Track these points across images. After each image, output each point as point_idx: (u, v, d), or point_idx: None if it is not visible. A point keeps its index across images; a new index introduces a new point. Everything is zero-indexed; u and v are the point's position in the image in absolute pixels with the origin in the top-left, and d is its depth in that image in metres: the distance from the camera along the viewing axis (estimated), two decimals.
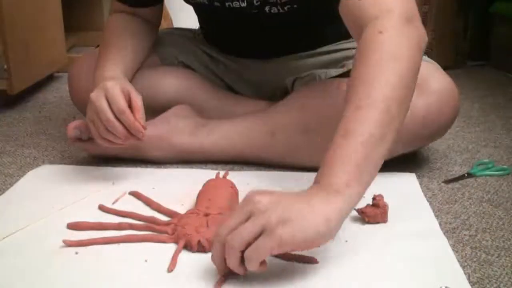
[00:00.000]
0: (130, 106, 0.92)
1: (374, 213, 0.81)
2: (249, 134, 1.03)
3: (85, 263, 0.72)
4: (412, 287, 0.67)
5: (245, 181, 0.94)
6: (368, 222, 0.81)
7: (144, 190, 0.92)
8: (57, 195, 0.92)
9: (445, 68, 1.02)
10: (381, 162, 0.71)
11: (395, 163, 1.02)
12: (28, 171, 1.03)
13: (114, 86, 0.91)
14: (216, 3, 1.02)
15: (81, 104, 1.15)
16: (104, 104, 0.90)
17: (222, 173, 0.96)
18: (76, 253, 0.74)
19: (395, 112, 0.71)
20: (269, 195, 0.64)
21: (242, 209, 0.64)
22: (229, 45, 1.17)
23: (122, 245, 0.76)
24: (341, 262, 0.71)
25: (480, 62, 2.05)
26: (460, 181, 1.00)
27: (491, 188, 0.98)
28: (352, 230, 0.80)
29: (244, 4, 1.00)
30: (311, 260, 0.71)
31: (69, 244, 0.75)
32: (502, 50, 1.98)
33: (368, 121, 0.69)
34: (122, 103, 0.90)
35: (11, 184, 0.98)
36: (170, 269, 0.69)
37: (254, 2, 0.99)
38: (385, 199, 0.83)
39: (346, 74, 1.03)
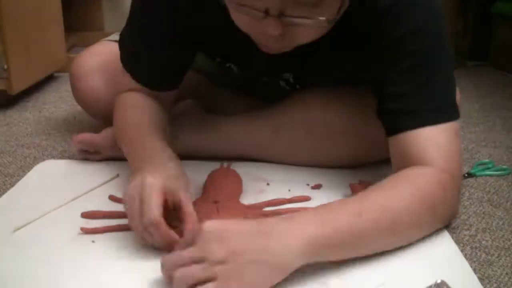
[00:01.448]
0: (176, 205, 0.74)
1: (360, 187, 0.83)
2: (253, 132, 1.03)
3: (101, 250, 0.74)
4: (416, 276, 0.67)
5: (246, 171, 0.97)
6: None
7: None
8: (65, 188, 0.94)
9: None
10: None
11: None
12: (28, 171, 1.03)
13: (151, 186, 0.72)
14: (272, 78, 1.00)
15: (84, 102, 1.16)
16: (135, 213, 0.72)
17: (225, 164, 0.99)
18: (93, 241, 0.76)
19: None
20: (222, 242, 0.61)
21: (195, 247, 0.62)
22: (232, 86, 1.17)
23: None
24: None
25: (480, 62, 2.06)
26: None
27: (491, 188, 0.98)
28: None
29: (283, 84, 1.00)
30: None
31: (86, 231, 0.78)
32: (502, 50, 1.98)
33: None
34: (152, 213, 0.70)
35: (11, 184, 0.98)
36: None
37: (290, 79, 0.99)
38: None
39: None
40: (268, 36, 0.72)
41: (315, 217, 0.67)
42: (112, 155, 1.04)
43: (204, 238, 0.62)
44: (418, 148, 0.77)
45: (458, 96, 0.97)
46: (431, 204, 0.73)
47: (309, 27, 0.72)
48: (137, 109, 0.94)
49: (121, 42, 0.99)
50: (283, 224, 0.65)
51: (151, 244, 0.73)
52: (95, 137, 1.04)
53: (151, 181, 0.72)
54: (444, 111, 0.80)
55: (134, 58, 0.96)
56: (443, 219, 0.78)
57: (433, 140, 0.77)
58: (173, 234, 0.71)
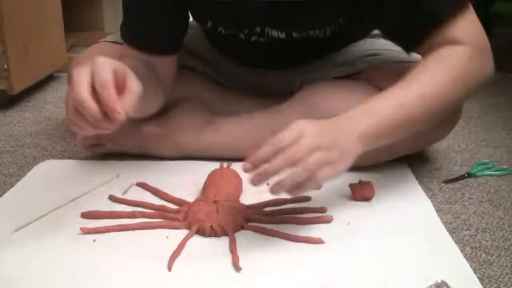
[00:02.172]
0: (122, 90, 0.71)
1: (360, 187, 0.88)
2: (255, 132, 1.03)
3: (103, 249, 0.75)
4: (415, 272, 0.67)
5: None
6: (355, 199, 0.88)
7: (149, 182, 0.94)
8: (65, 188, 0.94)
9: None
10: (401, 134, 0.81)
11: (395, 163, 1.02)
12: (28, 171, 1.03)
13: (104, 60, 0.70)
14: (254, 37, 1.01)
15: None
16: (84, 77, 0.68)
17: (225, 164, 1.00)
18: (94, 240, 0.77)
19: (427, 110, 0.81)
20: (314, 124, 0.74)
21: (290, 131, 0.72)
22: (238, 57, 1.17)
23: (136, 232, 0.79)
24: (345, 243, 0.76)
25: None
26: (460, 181, 1.00)
27: (491, 188, 0.98)
28: (354, 213, 0.84)
29: (283, 36, 0.99)
30: (317, 241, 0.77)
31: (86, 231, 0.78)
32: (502, 50, 1.97)
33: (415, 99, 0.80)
34: (107, 75, 0.68)
35: (11, 184, 0.98)
36: (177, 253, 0.73)
37: (293, 34, 0.99)
38: (379, 184, 0.91)
39: (352, 75, 1.04)
40: None
41: (364, 113, 0.78)
42: (114, 148, 1.05)
43: (294, 127, 0.72)
44: (443, 36, 0.84)
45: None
46: (464, 79, 0.83)
47: None
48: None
49: (123, 18, 1.00)
50: (344, 122, 0.77)
51: (80, 121, 0.69)
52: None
53: (104, 58, 0.70)
54: (454, 2, 0.86)
55: (132, 26, 0.99)
56: (477, 85, 0.87)
57: (453, 24, 0.85)
58: (117, 104, 0.67)
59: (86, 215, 0.83)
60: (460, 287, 0.65)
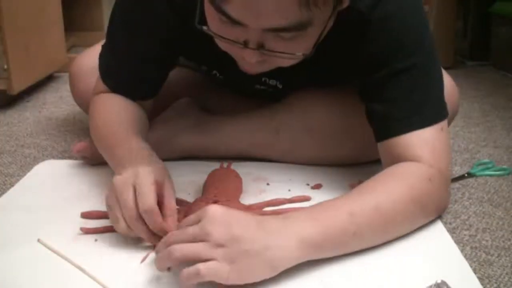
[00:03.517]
0: (160, 201, 0.74)
1: None
2: (253, 131, 1.03)
3: (103, 249, 0.75)
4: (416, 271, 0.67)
5: (246, 171, 0.97)
6: None
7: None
8: (65, 188, 0.94)
9: (445, 68, 1.02)
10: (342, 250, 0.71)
11: None
12: (28, 171, 1.03)
13: (146, 176, 0.73)
14: (251, 82, 0.99)
15: (84, 103, 1.15)
16: (130, 199, 0.71)
17: (225, 164, 0.99)
18: (96, 240, 0.77)
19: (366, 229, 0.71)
20: (224, 226, 0.63)
21: (198, 226, 0.64)
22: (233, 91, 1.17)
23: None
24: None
25: (480, 62, 2.06)
26: (460, 181, 1.00)
27: (491, 188, 0.98)
28: None
29: (279, 86, 1.00)
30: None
31: (86, 231, 0.78)
32: (502, 50, 1.98)
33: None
34: (150, 200, 0.71)
35: (11, 184, 0.98)
36: None
37: (278, 85, 1.00)
38: None
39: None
40: (247, 61, 0.73)
41: (309, 217, 0.69)
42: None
43: (208, 219, 0.64)
44: (406, 148, 0.80)
45: (455, 94, 0.98)
46: (421, 201, 0.76)
47: (287, 59, 0.73)
48: (111, 109, 0.93)
49: (101, 53, 0.97)
50: (280, 223, 0.67)
51: (134, 235, 0.73)
52: (92, 146, 1.03)
53: (144, 171, 0.74)
54: (431, 113, 0.82)
55: (110, 69, 0.95)
56: (433, 213, 0.80)
57: (420, 140, 0.80)
58: (166, 224, 0.71)
59: (86, 215, 0.83)
60: (460, 287, 0.65)
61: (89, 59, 1.15)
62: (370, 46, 0.82)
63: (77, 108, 1.27)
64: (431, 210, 0.79)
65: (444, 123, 0.82)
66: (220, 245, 0.62)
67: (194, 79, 1.16)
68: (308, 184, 0.95)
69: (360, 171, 0.98)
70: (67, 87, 1.20)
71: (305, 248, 0.66)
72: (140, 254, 0.73)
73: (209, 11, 0.72)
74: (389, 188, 0.75)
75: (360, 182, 0.89)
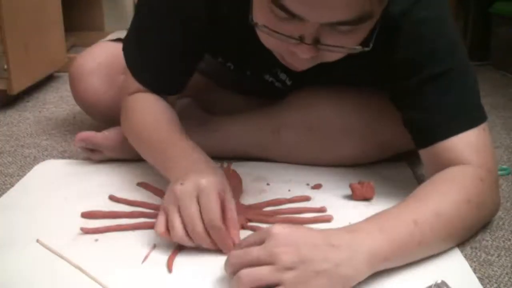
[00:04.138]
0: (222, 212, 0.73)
1: (361, 187, 0.87)
2: (254, 132, 1.03)
3: (103, 249, 0.75)
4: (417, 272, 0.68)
5: (246, 171, 0.98)
6: (355, 199, 0.88)
7: (149, 182, 0.94)
8: (65, 188, 0.94)
9: None
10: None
11: (395, 163, 1.02)
12: (28, 171, 1.03)
13: (210, 188, 0.71)
14: (248, 72, 1.00)
15: (84, 103, 1.16)
16: (195, 212, 0.70)
17: (225, 164, 1.00)
18: (96, 240, 0.77)
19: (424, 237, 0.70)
20: (292, 247, 0.61)
21: (264, 247, 0.62)
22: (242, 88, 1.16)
23: (136, 232, 0.79)
24: None
25: (480, 62, 2.06)
26: None
27: None
28: (354, 213, 0.82)
29: (288, 83, 0.99)
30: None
31: (86, 231, 0.78)
32: (502, 50, 1.97)
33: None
34: (217, 216, 0.71)
35: (11, 184, 0.98)
36: (175, 254, 0.73)
37: (287, 81, 0.99)
38: (379, 184, 0.90)
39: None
40: (297, 57, 0.72)
41: (375, 228, 0.67)
42: (112, 156, 1.04)
43: (273, 240, 0.62)
44: (451, 153, 0.79)
45: None
46: (477, 202, 0.75)
47: (343, 53, 0.72)
48: (152, 110, 0.92)
49: (127, 49, 0.96)
50: (348, 237, 0.65)
51: (189, 244, 0.72)
52: (97, 137, 1.04)
53: (208, 182, 0.72)
54: (471, 116, 0.81)
55: (142, 65, 0.94)
56: (488, 212, 0.80)
57: (464, 142, 0.79)
58: (229, 242, 0.71)
59: (86, 215, 0.83)
60: (460, 287, 0.65)
61: (89, 59, 1.15)
62: (401, 53, 0.81)
63: (77, 108, 1.27)
64: (485, 212, 0.79)
65: (485, 125, 0.81)
66: (288, 268, 0.60)
67: (195, 80, 1.16)
68: (308, 184, 0.95)
69: (360, 171, 0.98)
70: (67, 87, 1.20)
71: (375, 262, 0.65)
72: (141, 254, 0.73)
73: (261, 6, 0.70)
74: (445, 192, 0.74)
75: (360, 182, 0.89)
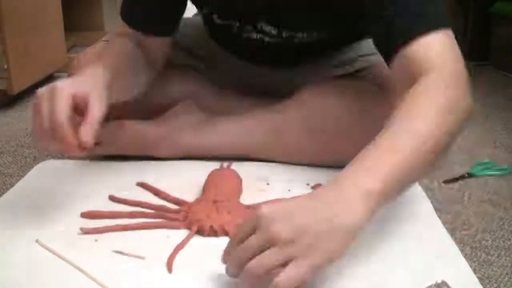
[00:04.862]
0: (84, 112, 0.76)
1: None
2: (255, 132, 1.03)
3: (103, 249, 0.74)
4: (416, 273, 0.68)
5: (246, 171, 0.97)
6: None
7: (149, 182, 0.94)
8: (65, 188, 0.94)
9: None
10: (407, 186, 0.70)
11: None
12: (28, 171, 1.03)
13: (63, 88, 0.74)
14: (246, 31, 1.01)
15: None
16: (43, 110, 0.73)
17: (225, 164, 1.00)
18: (96, 240, 0.77)
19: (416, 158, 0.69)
20: (285, 221, 0.60)
21: (260, 233, 0.61)
22: (232, 50, 1.17)
23: (136, 232, 0.79)
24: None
25: (480, 62, 2.06)
26: (460, 181, 1.00)
27: (491, 188, 0.98)
28: None
29: (274, 32, 1.00)
30: None
31: (86, 231, 0.78)
32: (502, 50, 1.98)
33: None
34: (60, 115, 0.72)
35: (11, 184, 0.98)
36: (174, 254, 0.73)
37: (283, 34, 1.00)
38: None
39: (352, 74, 1.04)
40: None
41: (361, 169, 0.66)
42: (112, 148, 1.04)
43: (265, 222, 0.61)
44: (415, 60, 0.78)
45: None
46: (449, 110, 0.75)
47: None
48: (118, 46, 0.99)
49: (123, 5, 1.03)
50: (334, 188, 0.64)
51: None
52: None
53: (64, 84, 0.75)
54: (435, 18, 0.80)
55: (134, 10, 1.01)
56: (462, 116, 0.79)
57: (429, 46, 0.78)
58: (76, 141, 0.73)
59: (86, 215, 0.83)
60: (460, 287, 0.65)
61: (90, 58, 1.15)
62: None
63: None
64: (460, 112, 0.78)
65: (450, 32, 0.80)
66: (291, 241, 0.59)
67: (197, 79, 1.16)
68: (308, 184, 0.95)
69: None
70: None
71: (370, 201, 0.63)
72: (141, 254, 0.73)
73: None
74: (422, 112, 0.72)
75: None
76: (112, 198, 0.89)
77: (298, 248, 0.59)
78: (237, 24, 1.01)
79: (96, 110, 0.75)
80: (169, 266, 0.70)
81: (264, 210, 0.62)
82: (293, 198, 0.66)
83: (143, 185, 0.94)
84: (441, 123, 0.72)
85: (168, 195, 0.90)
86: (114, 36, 1.03)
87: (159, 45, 1.03)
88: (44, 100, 0.74)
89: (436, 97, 0.74)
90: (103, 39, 1.21)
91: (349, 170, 0.67)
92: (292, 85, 1.08)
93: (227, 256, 0.64)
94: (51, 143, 0.74)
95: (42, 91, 0.75)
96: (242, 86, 1.16)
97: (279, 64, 1.10)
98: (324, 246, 0.60)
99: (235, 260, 0.62)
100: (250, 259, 0.60)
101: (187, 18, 1.19)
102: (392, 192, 0.66)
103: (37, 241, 0.75)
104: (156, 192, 0.91)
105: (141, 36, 1.01)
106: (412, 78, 0.77)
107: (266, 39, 1.01)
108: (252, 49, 1.06)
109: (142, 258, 0.72)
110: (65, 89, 0.74)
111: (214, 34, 1.15)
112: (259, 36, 1.01)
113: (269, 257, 0.59)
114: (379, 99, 0.95)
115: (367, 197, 0.63)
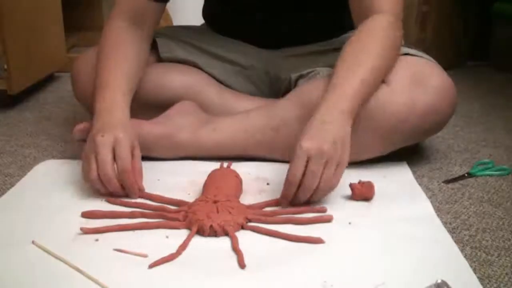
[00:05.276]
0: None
1: (360, 187, 0.89)
2: (253, 130, 1.03)
3: (103, 249, 0.75)
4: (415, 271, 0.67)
5: (246, 171, 0.98)
6: (355, 199, 0.89)
7: (149, 182, 0.94)
8: (65, 188, 0.94)
9: (445, 68, 1.03)
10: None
11: (395, 163, 1.02)
12: (28, 171, 1.03)
13: (124, 141, 0.88)
14: None
15: (86, 101, 1.16)
16: (109, 158, 0.87)
17: (225, 164, 1.00)
18: (97, 240, 0.77)
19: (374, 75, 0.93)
20: (318, 148, 0.82)
21: (300, 160, 0.82)
22: (238, 30, 1.19)
23: (136, 232, 0.80)
24: (346, 243, 0.77)
25: (480, 62, 2.05)
26: (460, 181, 1.00)
27: (491, 188, 0.98)
28: (354, 213, 0.85)
29: None
30: (317, 241, 0.76)
31: (86, 231, 0.78)
32: (502, 50, 1.97)
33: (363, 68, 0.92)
34: (128, 162, 0.88)
35: (11, 184, 0.98)
36: (179, 252, 0.73)
37: None
38: (379, 184, 0.91)
39: None
40: None
41: (334, 102, 0.88)
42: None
43: (304, 154, 0.82)
44: (368, 5, 0.98)
45: (453, 94, 1.02)
46: (394, 46, 0.97)
47: None
48: (114, 41, 1.06)
49: None
50: (319, 120, 0.86)
51: (98, 187, 0.87)
52: None
53: (123, 136, 0.88)
54: None
55: None
56: (398, 52, 0.99)
57: None
58: (136, 187, 0.88)
59: (86, 215, 0.83)
60: (460, 287, 0.65)
61: (92, 56, 1.15)
62: None
63: (77, 108, 1.27)
64: (398, 49, 0.99)
65: None
66: (320, 152, 0.82)
67: (197, 75, 1.16)
68: None
69: (360, 171, 0.98)
70: (67, 87, 1.20)
71: (348, 116, 0.87)
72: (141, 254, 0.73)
73: None
74: (372, 48, 0.94)
75: (360, 182, 0.89)
76: (109, 201, 0.89)
77: (326, 153, 0.82)
78: None
79: (140, 164, 0.93)
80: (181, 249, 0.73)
81: (300, 146, 0.82)
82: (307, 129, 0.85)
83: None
84: (390, 56, 0.96)
85: (164, 197, 0.89)
86: (109, 29, 1.09)
87: (155, 12, 1.10)
88: (105, 148, 0.86)
89: (390, 37, 0.96)
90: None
91: (324, 104, 0.88)
92: (294, 69, 1.11)
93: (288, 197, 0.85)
94: (111, 187, 0.87)
95: (103, 140, 0.87)
96: (242, 75, 1.17)
97: (285, 34, 1.17)
98: (338, 137, 0.84)
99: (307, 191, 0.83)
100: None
101: (189, 25, 1.22)
102: (360, 103, 0.90)
103: (33, 242, 0.75)
104: (150, 197, 0.90)
105: (140, 6, 1.08)
106: (364, 12, 0.98)
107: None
108: (259, 17, 1.15)
109: (144, 256, 0.72)
110: (126, 140, 0.88)
111: (220, 13, 1.20)
112: None
113: (315, 171, 0.82)
114: (375, 96, 0.95)
115: (349, 116, 0.87)
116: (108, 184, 0.87)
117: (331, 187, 0.84)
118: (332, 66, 1.09)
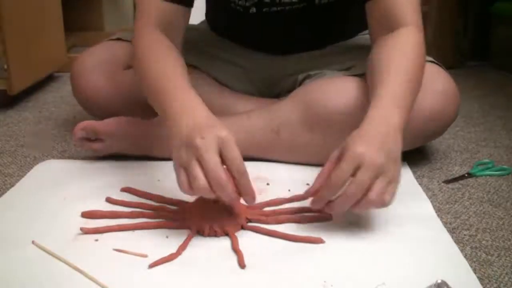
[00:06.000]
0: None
1: None
2: (254, 131, 1.03)
3: (103, 249, 0.75)
4: (415, 270, 0.67)
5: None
6: None
7: (149, 182, 0.94)
8: (65, 188, 0.94)
9: (445, 68, 1.03)
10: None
11: None
12: (28, 171, 1.03)
13: (231, 139, 0.76)
14: (252, 10, 1.05)
15: (85, 101, 1.16)
16: (218, 161, 0.74)
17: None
18: (96, 240, 0.77)
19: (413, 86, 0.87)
20: (369, 150, 0.75)
21: (349, 164, 0.75)
22: (242, 38, 1.19)
23: (136, 232, 0.79)
24: (346, 243, 0.77)
25: (480, 62, 2.06)
26: (460, 181, 1.00)
27: (491, 188, 0.98)
28: (354, 213, 0.82)
29: (284, 8, 1.04)
30: (317, 241, 0.76)
31: (86, 231, 0.78)
32: (502, 50, 1.98)
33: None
34: (242, 162, 0.75)
35: (11, 184, 0.98)
36: (179, 252, 0.73)
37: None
38: None
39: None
40: None
41: (392, 103, 0.82)
42: (113, 146, 1.04)
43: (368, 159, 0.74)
44: (392, 10, 0.94)
45: (456, 98, 1.00)
46: (422, 62, 0.91)
47: None
48: (156, 53, 0.94)
49: None
50: (383, 124, 0.80)
51: (207, 195, 0.74)
52: (97, 124, 1.03)
53: (227, 133, 0.76)
54: None
55: None
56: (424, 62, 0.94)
57: (406, 2, 0.94)
58: (253, 189, 0.77)
59: (86, 215, 0.83)
60: (460, 287, 0.65)
61: (91, 56, 1.15)
62: None
63: (77, 108, 1.27)
64: (424, 60, 0.93)
65: None
66: (375, 163, 0.74)
67: (198, 76, 1.16)
68: (308, 184, 0.94)
69: None
70: (67, 87, 1.20)
71: (401, 131, 0.80)
72: (140, 251, 0.73)
73: None
74: (402, 61, 0.88)
75: None
76: (109, 200, 0.89)
77: (380, 165, 0.74)
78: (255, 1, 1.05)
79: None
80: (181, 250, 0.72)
81: (348, 151, 0.75)
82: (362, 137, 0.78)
83: (128, 190, 0.92)
84: (419, 70, 0.89)
85: (160, 197, 0.89)
86: (142, 37, 0.98)
87: (181, 18, 1.01)
88: (211, 151, 0.73)
89: (417, 49, 0.91)
90: (105, 40, 1.21)
91: (380, 112, 0.81)
92: (290, 76, 1.10)
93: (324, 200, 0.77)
94: (227, 193, 0.74)
95: (205, 142, 0.74)
96: (245, 78, 1.17)
97: (293, 43, 1.14)
98: (394, 151, 0.78)
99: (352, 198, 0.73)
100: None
101: (190, 24, 1.20)
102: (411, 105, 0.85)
103: (33, 242, 0.75)
104: (145, 195, 0.90)
105: (167, 12, 0.99)
106: (387, 23, 0.93)
107: (287, 7, 1.06)
108: (267, 30, 1.11)
109: (144, 256, 0.72)
110: (232, 137, 0.76)
111: (226, 23, 1.17)
112: (279, 8, 1.06)
113: (364, 181, 0.73)
114: None
115: (400, 129, 0.80)
116: (223, 190, 0.73)
117: (383, 203, 0.74)
118: (336, 68, 1.09)
